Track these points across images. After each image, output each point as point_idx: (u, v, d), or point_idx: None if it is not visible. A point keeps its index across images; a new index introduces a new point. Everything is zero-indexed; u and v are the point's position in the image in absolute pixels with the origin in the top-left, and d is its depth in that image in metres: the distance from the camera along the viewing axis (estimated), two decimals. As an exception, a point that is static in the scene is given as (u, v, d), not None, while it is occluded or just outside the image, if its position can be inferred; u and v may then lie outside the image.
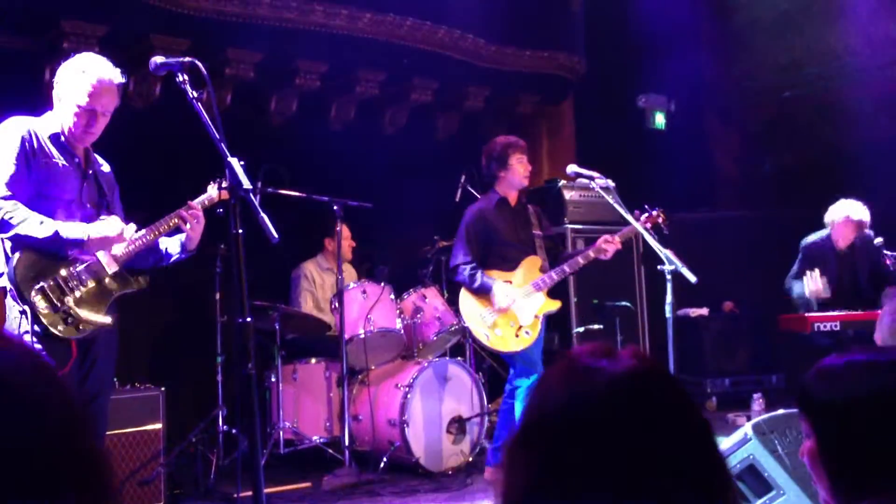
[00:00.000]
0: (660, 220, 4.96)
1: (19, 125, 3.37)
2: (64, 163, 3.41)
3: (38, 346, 3.19)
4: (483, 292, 4.93)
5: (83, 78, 3.36)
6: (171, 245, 3.66)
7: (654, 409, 1.02)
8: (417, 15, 6.51)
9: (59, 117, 3.44)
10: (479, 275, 4.94)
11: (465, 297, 5.00)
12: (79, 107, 3.37)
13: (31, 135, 3.35)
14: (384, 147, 7.29)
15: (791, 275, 6.47)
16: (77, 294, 3.33)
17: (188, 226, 3.56)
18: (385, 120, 7.36)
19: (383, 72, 6.74)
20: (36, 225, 3.24)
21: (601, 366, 1.05)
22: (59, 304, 3.26)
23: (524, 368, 4.90)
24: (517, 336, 4.91)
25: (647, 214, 4.94)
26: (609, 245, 4.92)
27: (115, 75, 3.42)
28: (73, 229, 3.32)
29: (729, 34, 8.97)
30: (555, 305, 5.05)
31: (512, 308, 4.90)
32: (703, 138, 9.33)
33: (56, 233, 3.26)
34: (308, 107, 6.76)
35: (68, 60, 3.44)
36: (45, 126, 3.42)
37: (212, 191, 3.67)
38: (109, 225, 3.40)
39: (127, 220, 3.58)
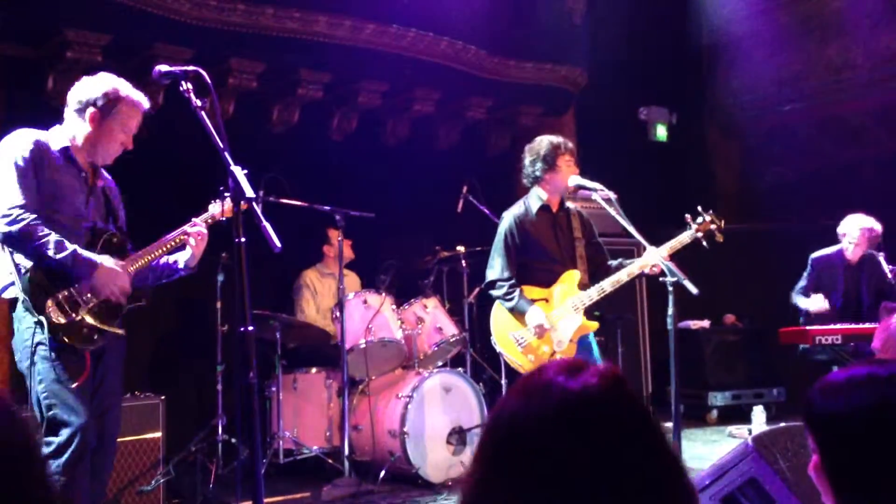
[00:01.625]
0: (713, 227, 4.58)
1: (29, 137, 3.32)
2: (70, 178, 3.38)
3: (53, 357, 3.17)
4: (518, 313, 4.64)
5: (125, 104, 3.38)
6: (171, 261, 3.64)
7: (605, 429, 1.02)
8: (420, 26, 6.53)
9: (69, 132, 3.41)
10: (516, 294, 4.62)
11: (498, 315, 4.73)
12: (123, 132, 3.39)
13: (40, 147, 3.32)
14: (386, 157, 7.30)
15: (798, 289, 6.51)
16: (90, 305, 3.29)
17: (193, 242, 3.55)
18: (387, 130, 7.38)
19: (385, 82, 6.76)
20: (53, 246, 3.19)
21: (558, 381, 1.05)
22: (73, 315, 3.23)
23: None
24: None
25: (700, 220, 4.60)
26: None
27: (145, 100, 3.47)
28: (85, 261, 3.26)
29: (729, 47, 9.00)
30: (592, 327, 4.68)
31: (547, 332, 4.62)
32: (704, 151, 9.35)
33: (72, 256, 3.22)
34: (310, 117, 6.78)
35: (94, 79, 3.42)
36: (53, 140, 3.38)
37: (214, 208, 3.64)
38: (118, 274, 3.34)
39: (131, 233, 3.59)
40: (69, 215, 3.35)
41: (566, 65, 7.60)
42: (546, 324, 4.57)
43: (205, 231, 3.57)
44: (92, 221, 3.43)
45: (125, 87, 3.42)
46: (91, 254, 3.31)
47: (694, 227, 4.60)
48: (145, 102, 3.45)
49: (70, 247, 3.22)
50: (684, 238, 4.60)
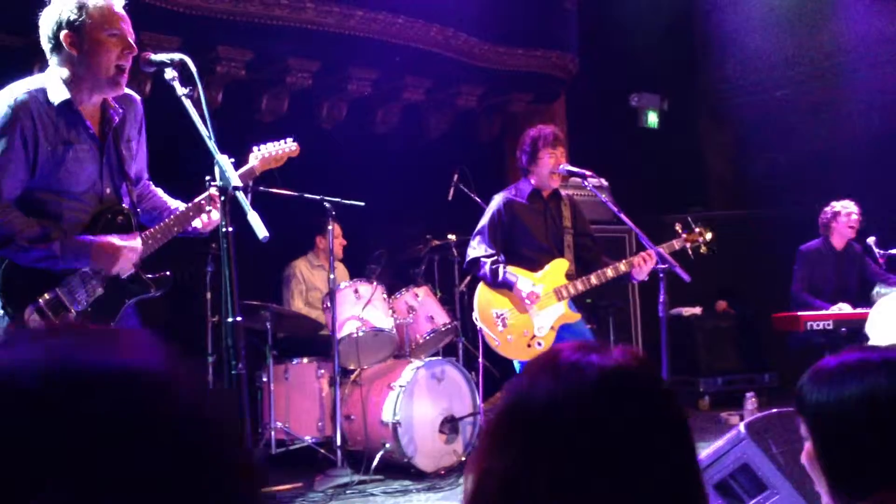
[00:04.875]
0: (700, 240, 4.69)
1: (14, 102, 2.79)
2: (78, 143, 2.88)
3: None
4: (504, 288, 4.63)
5: (93, 4, 2.82)
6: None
7: (641, 407, 1.01)
8: (409, 13, 6.48)
9: (60, 75, 2.87)
10: (501, 269, 4.62)
11: (482, 293, 4.73)
12: (112, 39, 2.83)
13: (32, 114, 2.80)
14: (376, 145, 7.27)
15: (800, 285, 6.53)
16: (81, 306, 2.87)
17: (210, 210, 3.11)
18: (377, 118, 7.34)
19: (375, 70, 6.72)
20: (23, 249, 2.74)
21: (591, 360, 1.03)
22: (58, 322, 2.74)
23: None
24: (529, 346, 4.62)
25: (689, 231, 4.72)
26: (645, 263, 4.54)
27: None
28: (74, 251, 2.80)
29: (721, 33, 8.97)
30: (574, 318, 4.72)
31: (529, 315, 4.64)
32: (696, 137, 9.34)
33: (49, 252, 2.75)
34: (299, 105, 6.73)
35: (50, 6, 2.86)
36: (50, 91, 2.85)
37: (253, 160, 3.32)
38: (125, 249, 2.90)
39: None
40: (76, 193, 2.89)
41: (557, 51, 7.57)
42: (539, 291, 4.59)
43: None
44: (104, 192, 2.96)
45: None
46: (77, 248, 2.83)
47: (683, 236, 4.73)
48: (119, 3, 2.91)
49: (46, 247, 2.78)
50: (673, 245, 4.72)
